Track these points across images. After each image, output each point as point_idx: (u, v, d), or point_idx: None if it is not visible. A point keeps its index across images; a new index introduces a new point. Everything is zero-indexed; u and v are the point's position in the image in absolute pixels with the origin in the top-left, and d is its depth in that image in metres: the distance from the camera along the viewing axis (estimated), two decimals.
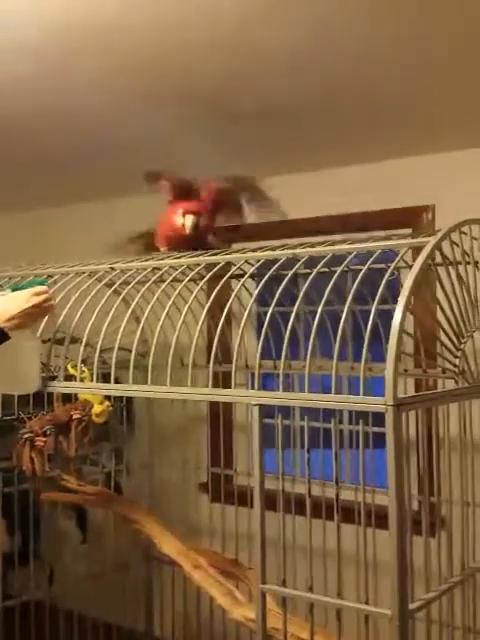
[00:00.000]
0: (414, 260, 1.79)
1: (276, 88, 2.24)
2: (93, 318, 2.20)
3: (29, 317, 2.13)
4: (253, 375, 1.84)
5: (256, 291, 1.98)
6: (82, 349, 2.21)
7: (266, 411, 1.70)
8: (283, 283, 1.85)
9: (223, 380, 2.16)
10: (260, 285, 1.95)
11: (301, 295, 1.71)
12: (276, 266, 1.91)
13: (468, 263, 1.82)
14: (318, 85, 2.20)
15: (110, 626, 3.26)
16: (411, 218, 3.00)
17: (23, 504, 3.01)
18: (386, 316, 1.97)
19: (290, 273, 1.86)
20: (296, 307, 1.70)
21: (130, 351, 2.10)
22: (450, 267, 1.77)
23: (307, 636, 1.72)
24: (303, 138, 2.77)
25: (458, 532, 1.86)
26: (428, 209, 2.97)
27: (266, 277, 1.94)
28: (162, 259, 2.38)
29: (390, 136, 2.75)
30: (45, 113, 2.49)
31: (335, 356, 1.62)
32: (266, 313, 1.85)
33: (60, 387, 2.27)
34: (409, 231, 2.97)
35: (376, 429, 2.07)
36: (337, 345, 1.58)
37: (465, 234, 1.83)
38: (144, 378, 2.08)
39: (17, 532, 3.17)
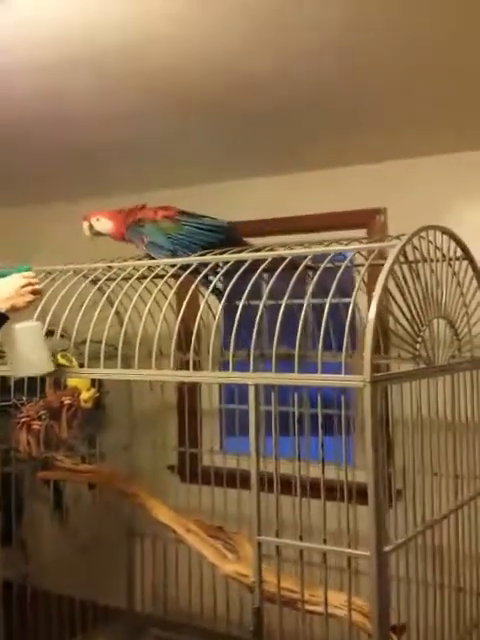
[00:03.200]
0: (367, 259, 2.10)
1: (248, 104, 2.51)
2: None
3: (22, 298, 2.26)
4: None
5: (225, 292, 2.23)
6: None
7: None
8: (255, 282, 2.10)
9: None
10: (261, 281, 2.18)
11: (289, 290, 1.98)
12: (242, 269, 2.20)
13: (425, 261, 2.11)
14: (282, 104, 2.50)
15: (90, 604, 3.39)
16: (365, 220, 3.30)
17: (4, 487, 3.18)
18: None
19: (255, 276, 2.15)
20: (289, 299, 1.96)
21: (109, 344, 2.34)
22: (411, 265, 2.06)
23: (291, 585, 2.01)
24: (274, 147, 3.06)
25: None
26: (381, 212, 3.27)
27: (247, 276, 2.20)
28: (140, 259, 2.61)
29: (347, 145, 3.05)
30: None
31: (320, 345, 1.90)
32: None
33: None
34: (364, 232, 3.30)
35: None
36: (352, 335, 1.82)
37: (423, 238, 2.13)
38: (125, 365, 2.33)
39: None
